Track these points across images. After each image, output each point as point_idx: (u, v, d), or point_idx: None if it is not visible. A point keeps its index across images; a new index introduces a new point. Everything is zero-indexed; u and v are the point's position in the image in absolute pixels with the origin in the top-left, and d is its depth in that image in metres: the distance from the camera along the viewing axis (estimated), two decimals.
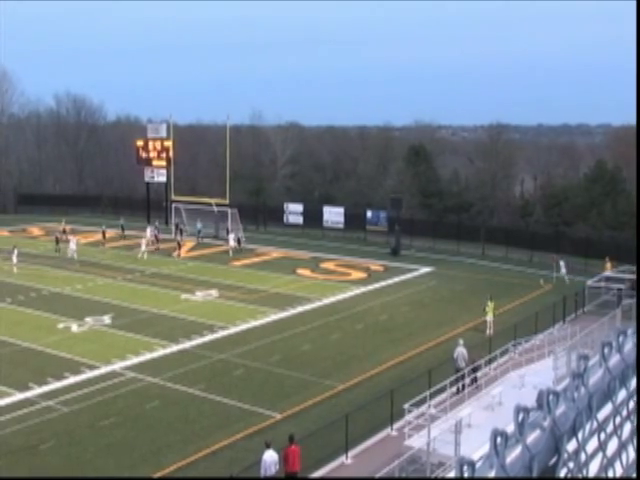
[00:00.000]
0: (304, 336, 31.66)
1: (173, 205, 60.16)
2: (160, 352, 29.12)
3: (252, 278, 43.05)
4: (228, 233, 54.18)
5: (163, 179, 63.95)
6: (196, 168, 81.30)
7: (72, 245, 48.68)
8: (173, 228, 57.48)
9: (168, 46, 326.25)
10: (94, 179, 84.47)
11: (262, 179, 79.19)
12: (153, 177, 64.82)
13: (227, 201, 56.58)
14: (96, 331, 32.14)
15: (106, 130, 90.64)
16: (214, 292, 39.44)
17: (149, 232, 53.49)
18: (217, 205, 57.14)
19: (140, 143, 64.57)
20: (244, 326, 32.99)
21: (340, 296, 39.03)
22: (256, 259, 49.58)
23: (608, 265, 41.48)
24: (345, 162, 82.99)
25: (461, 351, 25.45)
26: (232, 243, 51.56)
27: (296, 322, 33.83)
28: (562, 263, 42.89)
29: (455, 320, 34.15)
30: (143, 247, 49.17)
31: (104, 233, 54.73)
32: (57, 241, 50.80)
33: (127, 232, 57.35)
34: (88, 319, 33.68)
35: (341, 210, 59.77)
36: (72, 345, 29.77)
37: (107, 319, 33.77)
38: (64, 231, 55.77)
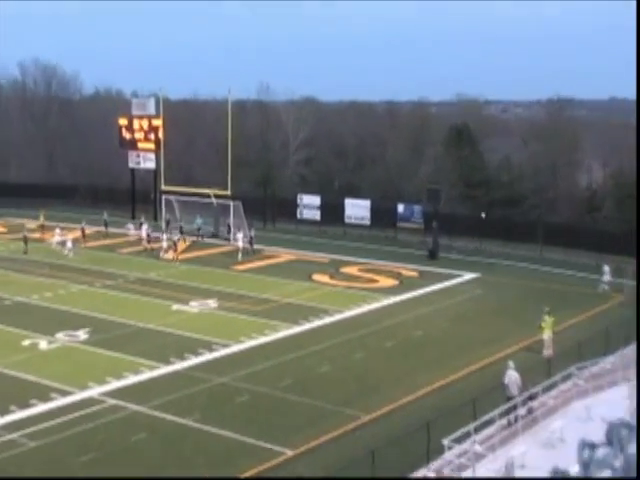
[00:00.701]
0: (321, 355, 31.68)
1: (163, 197, 60.42)
2: (147, 374, 29.22)
3: (259, 285, 43.13)
4: (230, 231, 54.20)
5: (151, 165, 64.26)
6: (192, 152, 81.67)
7: (68, 243, 50.42)
8: (163, 225, 57.61)
9: (157, 7, 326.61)
10: (68, 164, 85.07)
11: (271, 166, 79.43)
12: (139, 163, 65.17)
13: (229, 192, 56.72)
14: (69, 349, 32.31)
15: (82, 105, 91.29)
16: (212, 302, 39.56)
17: (144, 230, 53.65)
18: (216, 197, 57.29)
19: (123, 122, 64.92)
20: (249, 343, 33.06)
21: (365, 307, 39.03)
22: (263, 262, 49.65)
23: None
24: (371, 145, 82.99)
25: (513, 375, 25.33)
26: (241, 243, 50.86)
27: (312, 339, 33.86)
28: (606, 268, 42.68)
29: (505, 338, 34.02)
30: (166, 244, 50.93)
31: (83, 231, 54.74)
32: (25, 240, 51.12)
33: (111, 229, 57.71)
34: (60, 334, 33.84)
35: (367, 203, 59.72)
36: (40, 366, 29.91)
37: (83, 334, 33.92)
38: (42, 227, 56.14)
